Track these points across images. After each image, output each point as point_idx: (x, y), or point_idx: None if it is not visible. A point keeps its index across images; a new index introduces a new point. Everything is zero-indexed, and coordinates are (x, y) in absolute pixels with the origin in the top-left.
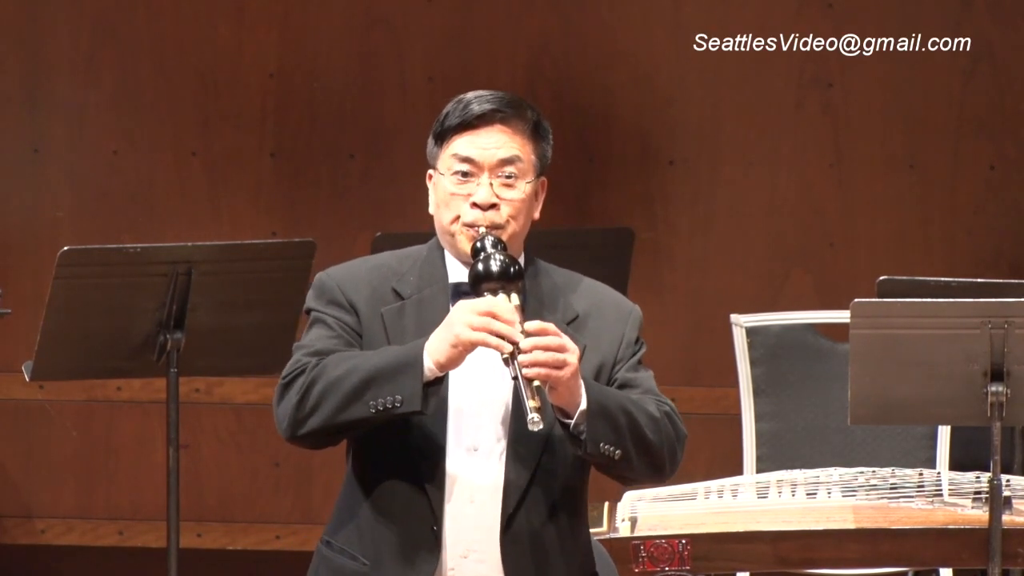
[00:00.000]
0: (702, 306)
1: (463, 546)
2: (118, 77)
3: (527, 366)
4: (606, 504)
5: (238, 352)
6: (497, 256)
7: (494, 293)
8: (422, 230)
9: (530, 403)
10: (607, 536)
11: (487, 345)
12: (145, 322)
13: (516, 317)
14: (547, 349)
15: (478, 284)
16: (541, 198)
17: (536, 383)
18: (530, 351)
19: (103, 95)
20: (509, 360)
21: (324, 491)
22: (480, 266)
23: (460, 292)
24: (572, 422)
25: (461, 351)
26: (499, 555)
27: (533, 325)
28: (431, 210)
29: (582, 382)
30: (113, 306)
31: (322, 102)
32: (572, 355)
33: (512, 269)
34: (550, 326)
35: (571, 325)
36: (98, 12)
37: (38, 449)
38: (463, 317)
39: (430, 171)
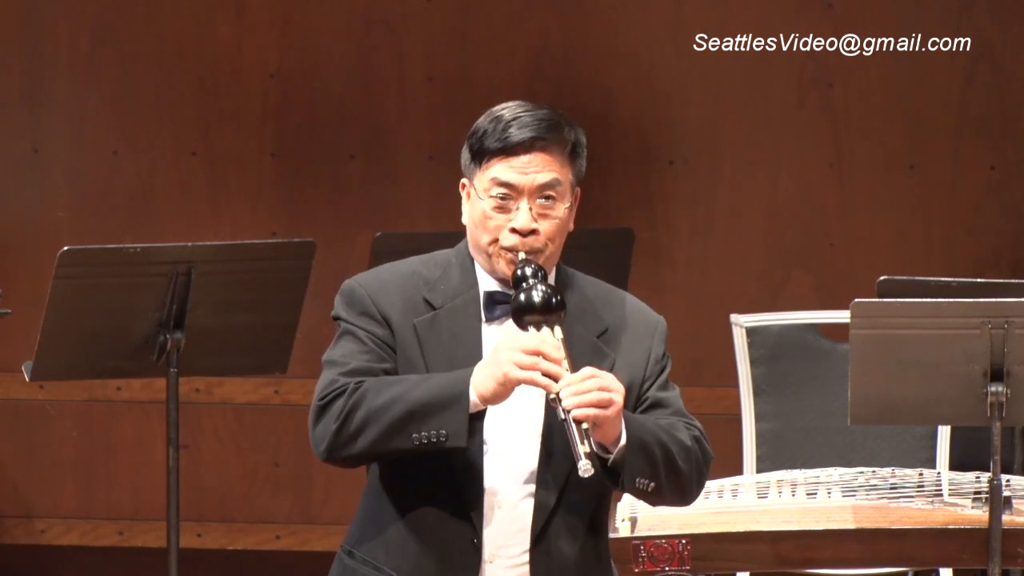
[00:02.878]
0: (702, 306)
1: (489, 552)
2: (118, 77)
3: (576, 407)
4: None
5: (238, 352)
6: (539, 287)
7: (537, 327)
8: (422, 230)
9: (581, 448)
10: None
11: (535, 384)
12: (145, 322)
13: (563, 355)
14: (594, 390)
15: (521, 315)
16: (575, 208)
17: (585, 425)
18: (578, 392)
19: (103, 95)
20: (556, 401)
21: (324, 491)
22: (523, 297)
23: (493, 301)
24: (611, 457)
25: (508, 388)
26: (527, 571)
27: (581, 374)
28: (464, 220)
29: (623, 418)
30: (113, 306)
31: (322, 102)
32: (618, 394)
33: (554, 300)
34: (593, 370)
35: (601, 338)
36: (98, 12)
37: (38, 449)
38: (511, 356)
39: (464, 180)
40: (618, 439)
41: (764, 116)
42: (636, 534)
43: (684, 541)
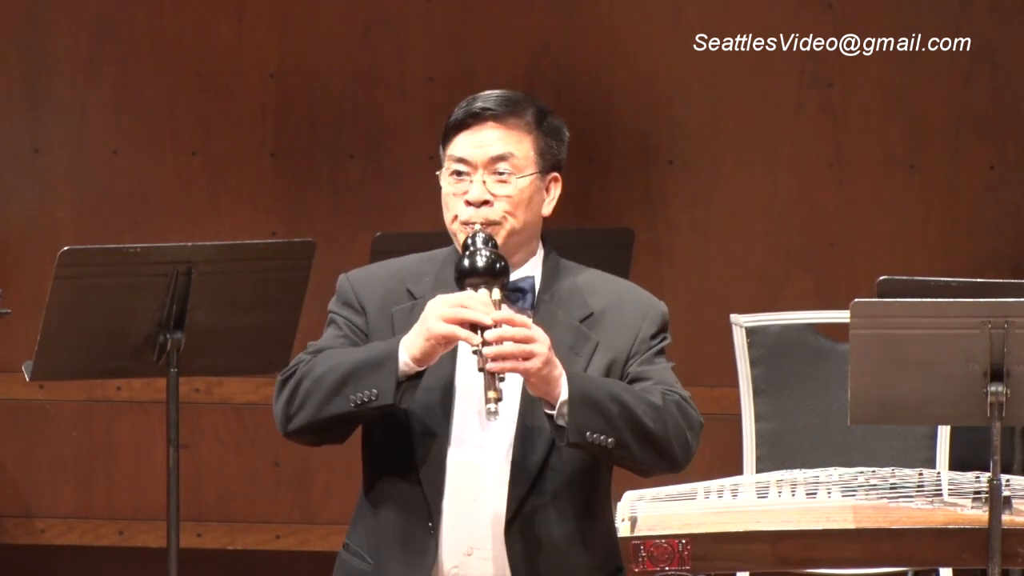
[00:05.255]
0: (702, 306)
1: (467, 543)
2: (118, 77)
3: (493, 358)
4: None
5: (238, 352)
6: (483, 252)
7: (476, 288)
8: (422, 230)
9: (489, 393)
10: None
11: (456, 337)
12: (145, 322)
13: (489, 310)
14: (514, 340)
15: (462, 279)
16: (553, 194)
17: (501, 375)
18: (496, 343)
19: (103, 95)
20: (478, 352)
21: (324, 491)
22: (465, 261)
23: None
24: (555, 412)
25: (433, 344)
26: (505, 552)
27: (501, 314)
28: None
29: (564, 373)
30: (113, 306)
31: (322, 102)
32: (540, 345)
33: (497, 265)
34: (519, 317)
35: (584, 323)
36: (98, 12)
37: (38, 449)
38: (435, 310)
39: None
40: (559, 395)
41: (764, 116)
42: (636, 534)
43: (684, 541)
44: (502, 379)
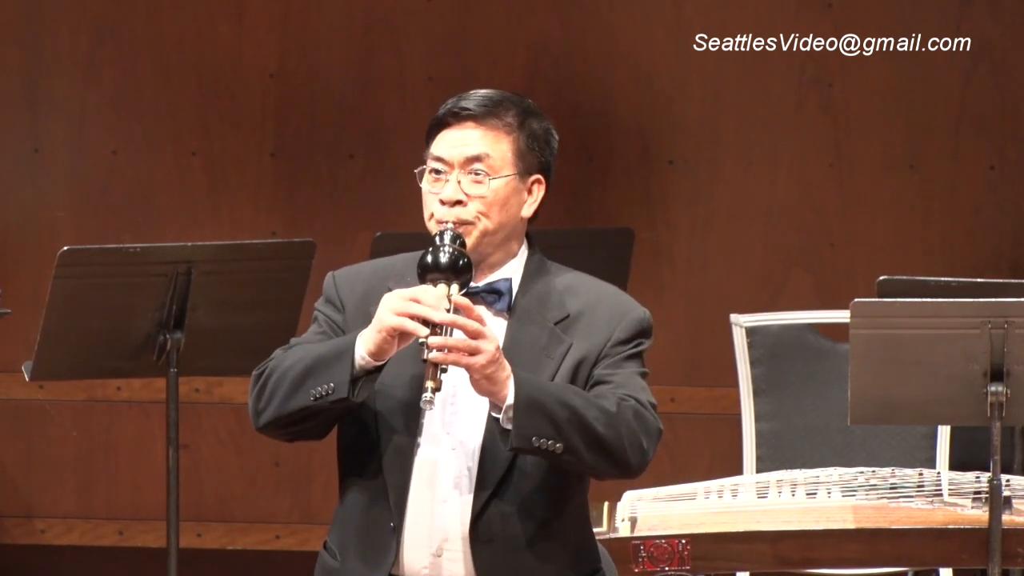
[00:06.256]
0: (702, 306)
1: (436, 544)
2: (118, 77)
3: (438, 348)
4: (606, 504)
5: (238, 352)
6: (447, 248)
7: (435, 284)
8: (422, 230)
9: (428, 383)
10: (607, 536)
11: (404, 329)
12: (145, 322)
13: (444, 304)
14: (464, 331)
15: (424, 275)
16: (536, 196)
17: (442, 366)
18: (444, 333)
19: (103, 95)
20: (424, 344)
21: (324, 491)
22: (428, 257)
23: None
24: (502, 416)
25: (385, 336)
26: (471, 554)
27: (459, 300)
28: None
29: (512, 377)
30: (113, 306)
31: (322, 102)
32: (488, 343)
33: (460, 263)
34: (475, 313)
35: (559, 325)
36: (98, 12)
37: (38, 449)
38: (388, 303)
39: None
40: (505, 398)
41: (764, 116)
42: (636, 534)
43: (684, 541)
44: (444, 370)
